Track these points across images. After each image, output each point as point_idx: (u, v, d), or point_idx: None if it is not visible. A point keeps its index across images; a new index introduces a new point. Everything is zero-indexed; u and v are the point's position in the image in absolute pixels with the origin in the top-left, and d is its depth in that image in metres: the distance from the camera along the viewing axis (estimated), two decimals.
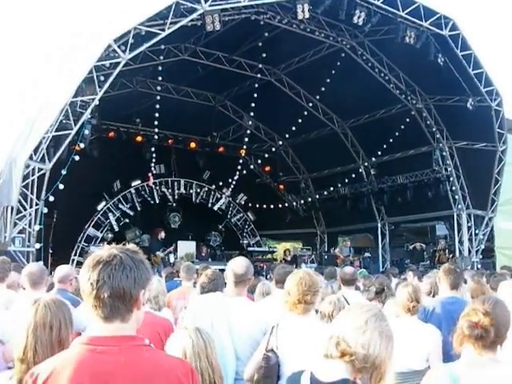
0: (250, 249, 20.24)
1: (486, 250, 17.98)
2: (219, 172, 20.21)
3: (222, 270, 4.42)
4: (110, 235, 18.14)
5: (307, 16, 13.02)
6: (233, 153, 20.37)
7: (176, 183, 20.28)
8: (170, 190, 20.06)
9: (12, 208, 11.15)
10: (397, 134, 17.57)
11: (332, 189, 21.24)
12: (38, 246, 11.54)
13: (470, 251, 17.70)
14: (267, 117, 19.55)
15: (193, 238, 18.89)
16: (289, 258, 18.53)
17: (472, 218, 17.97)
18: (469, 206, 17.93)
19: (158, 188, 19.67)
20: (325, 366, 2.15)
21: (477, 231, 17.86)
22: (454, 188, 17.82)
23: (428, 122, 17.61)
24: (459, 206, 17.95)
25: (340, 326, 2.16)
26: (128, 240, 17.09)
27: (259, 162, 21.77)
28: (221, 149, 20.12)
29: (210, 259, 17.63)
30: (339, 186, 20.95)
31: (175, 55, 15.72)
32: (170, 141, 19.29)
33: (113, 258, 1.86)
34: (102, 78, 11.55)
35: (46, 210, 11.87)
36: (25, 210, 11.31)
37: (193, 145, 19.51)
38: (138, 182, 19.11)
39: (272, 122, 20.18)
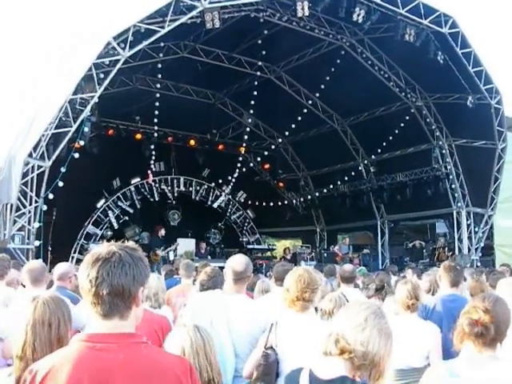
0: (249, 246, 20.27)
1: (486, 247, 17.99)
2: (219, 170, 20.21)
3: (222, 268, 4.41)
4: (109, 233, 18.12)
5: (307, 13, 13.02)
6: (232, 150, 20.37)
7: (175, 181, 20.27)
8: (169, 188, 20.06)
9: (11, 205, 11.16)
10: (396, 131, 17.58)
11: (331, 186, 21.26)
12: (37, 243, 11.55)
13: (469, 249, 17.72)
14: (267, 114, 19.54)
15: (192, 235, 18.89)
16: (288, 256, 18.52)
17: (471, 216, 17.99)
18: (468, 204, 17.95)
19: (157, 185, 19.67)
20: (324, 363, 2.15)
21: (476, 229, 17.87)
22: (453, 186, 17.83)
23: (428, 120, 17.61)
24: (459, 204, 17.96)
25: (339, 324, 2.17)
26: (127, 238, 17.06)
27: (259, 159, 21.80)
28: (220, 146, 20.14)
29: (209, 257, 17.65)
30: (339, 183, 20.97)
31: (175, 53, 15.70)
32: (169, 138, 19.28)
33: (112, 255, 1.86)
34: (102, 76, 11.53)
35: (45, 208, 11.87)
36: (24, 207, 11.31)
37: (192, 142, 19.51)
38: (138, 179, 19.10)
39: (271, 119, 20.18)
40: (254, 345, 3.72)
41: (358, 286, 7.07)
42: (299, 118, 18.46)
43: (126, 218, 18.96)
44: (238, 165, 20.47)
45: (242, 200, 21.89)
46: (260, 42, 15.51)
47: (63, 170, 11.91)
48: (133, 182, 19.05)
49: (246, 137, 19.80)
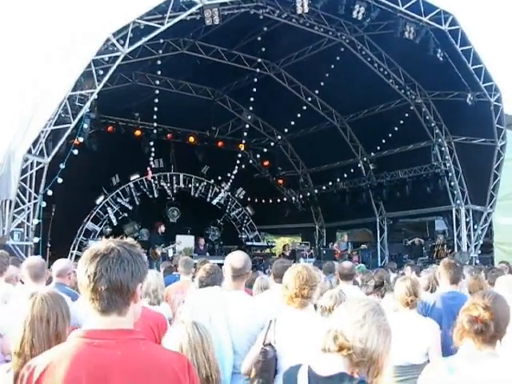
0: (248, 243, 20.28)
1: (485, 245, 17.99)
2: (218, 166, 20.21)
3: (221, 265, 4.41)
4: (108, 229, 18.12)
5: (306, 10, 12.98)
6: (232, 147, 20.35)
7: (175, 177, 20.28)
8: (168, 185, 20.07)
9: (10, 202, 11.14)
10: (396, 128, 17.57)
11: (331, 183, 21.26)
12: (36, 240, 11.53)
13: (468, 246, 17.74)
14: (266, 111, 19.54)
15: (191, 232, 18.90)
16: (287, 253, 18.52)
17: (471, 214, 18.00)
18: (467, 202, 17.95)
19: (156, 182, 19.66)
20: (322, 359, 2.15)
21: (475, 226, 17.89)
22: (452, 183, 17.84)
23: (427, 117, 17.60)
24: (458, 202, 17.96)
25: (338, 320, 2.16)
26: (127, 234, 17.07)
27: (258, 156, 21.79)
28: (220, 143, 20.13)
29: (208, 253, 17.62)
30: (338, 180, 20.96)
31: (174, 49, 15.68)
32: (168, 135, 19.27)
33: (110, 251, 1.85)
34: (101, 72, 11.52)
35: (44, 204, 11.85)
36: (23, 204, 11.29)
37: (192, 139, 19.50)
38: (137, 176, 19.11)
39: (271, 116, 20.17)
40: (252, 341, 3.72)
41: (357, 283, 7.08)
42: (299, 115, 18.42)
43: (125, 214, 18.96)
44: (238, 162, 20.45)
45: (241, 197, 21.90)
46: (259, 38, 15.49)
47: (62, 166, 11.90)
48: (132, 178, 19.05)
49: (245, 134, 19.76)
